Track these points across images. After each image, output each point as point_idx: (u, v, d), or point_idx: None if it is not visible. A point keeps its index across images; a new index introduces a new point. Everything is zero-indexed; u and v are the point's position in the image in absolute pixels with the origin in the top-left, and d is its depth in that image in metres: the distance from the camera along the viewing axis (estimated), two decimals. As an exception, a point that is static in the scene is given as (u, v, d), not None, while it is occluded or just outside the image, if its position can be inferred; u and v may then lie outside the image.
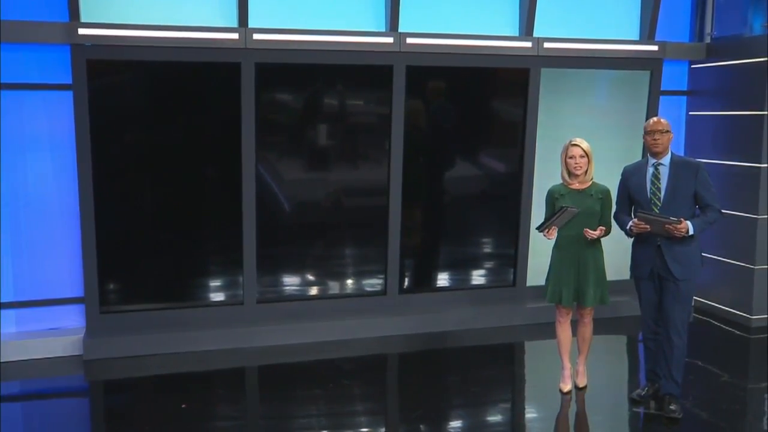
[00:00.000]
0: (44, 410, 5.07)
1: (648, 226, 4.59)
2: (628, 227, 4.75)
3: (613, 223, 4.94)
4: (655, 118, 4.77)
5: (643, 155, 6.17)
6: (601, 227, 4.82)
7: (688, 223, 4.53)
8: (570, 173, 4.87)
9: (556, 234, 4.83)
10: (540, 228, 4.82)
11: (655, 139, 4.65)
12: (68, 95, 5.58)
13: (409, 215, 6.54)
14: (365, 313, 6.43)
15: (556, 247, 5.00)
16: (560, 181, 4.98)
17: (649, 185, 4.70)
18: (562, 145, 4.95)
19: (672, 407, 4.73)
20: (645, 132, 4.74)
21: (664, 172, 4.68)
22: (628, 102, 6.90)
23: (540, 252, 6.21)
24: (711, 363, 5.72)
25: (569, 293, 4.93)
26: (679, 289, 4.66)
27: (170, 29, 5.60)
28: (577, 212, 4.72)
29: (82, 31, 5.42)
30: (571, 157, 4.83)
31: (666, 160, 4.69)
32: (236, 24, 5.89)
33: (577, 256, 4.89)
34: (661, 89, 6.92)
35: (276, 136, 6.22)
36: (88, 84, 5.52)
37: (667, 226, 4.50)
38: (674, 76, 7.17)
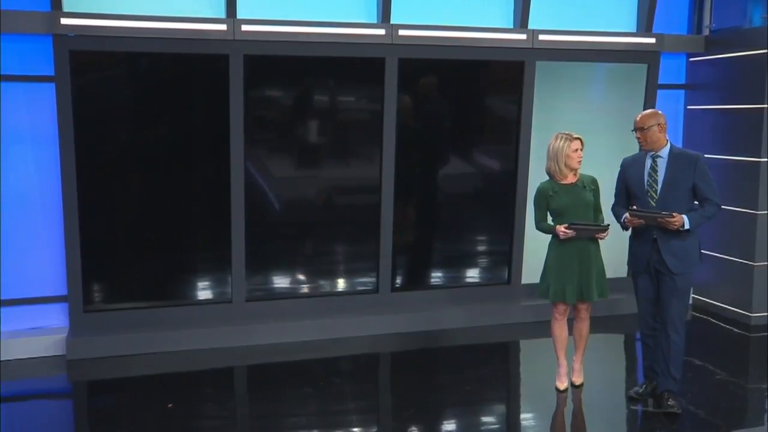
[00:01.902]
0: (26, 412, 4.97)
1: (641, 220, 4.54)
2: (622, 220, 4.72)
3: (610, 213, 4.88)
4: (638, 115, 4.68)
5: (641, 149, 6.09)
6: (605, 229, 4.76)
7: (684, 217, 4.45)
8: (570, 167, 4.79)
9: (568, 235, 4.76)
10: (569, 226, 4.72)
11: (637, 137, 4.62)
12: (50, 87, 5.47)
13: (402, 212, 6.45)
14: (357, 311, 6.33)
15: (555, 244, 4.89)
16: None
17: (646, 177, 4.63)
18: (557, 140, 4.88)
19: (670, 402, 4.65)
20: None
21: (662, 165, 4.58)
22: (625, 96, 6.80)
23: (535, 249, 6.11)
24: (710, 361, 5.65)
25: (573, 290, 4.83)
26: (676, 284, 4.57)
27: (156, 20, 5.51)
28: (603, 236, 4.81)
29: (64, 20, 5.31)
30: (575, 151, 4.79)
31: (664, 152, 4.61)
32: (224, 15, 5.81)
33: (579, 251, 4.80)
34: (659, 83, 6.84)
35: (265, 131, 6.13)
36: (71, 76, 5.41)
37: (659, 219, 4.44)
38: (672, 70, 7.10)
